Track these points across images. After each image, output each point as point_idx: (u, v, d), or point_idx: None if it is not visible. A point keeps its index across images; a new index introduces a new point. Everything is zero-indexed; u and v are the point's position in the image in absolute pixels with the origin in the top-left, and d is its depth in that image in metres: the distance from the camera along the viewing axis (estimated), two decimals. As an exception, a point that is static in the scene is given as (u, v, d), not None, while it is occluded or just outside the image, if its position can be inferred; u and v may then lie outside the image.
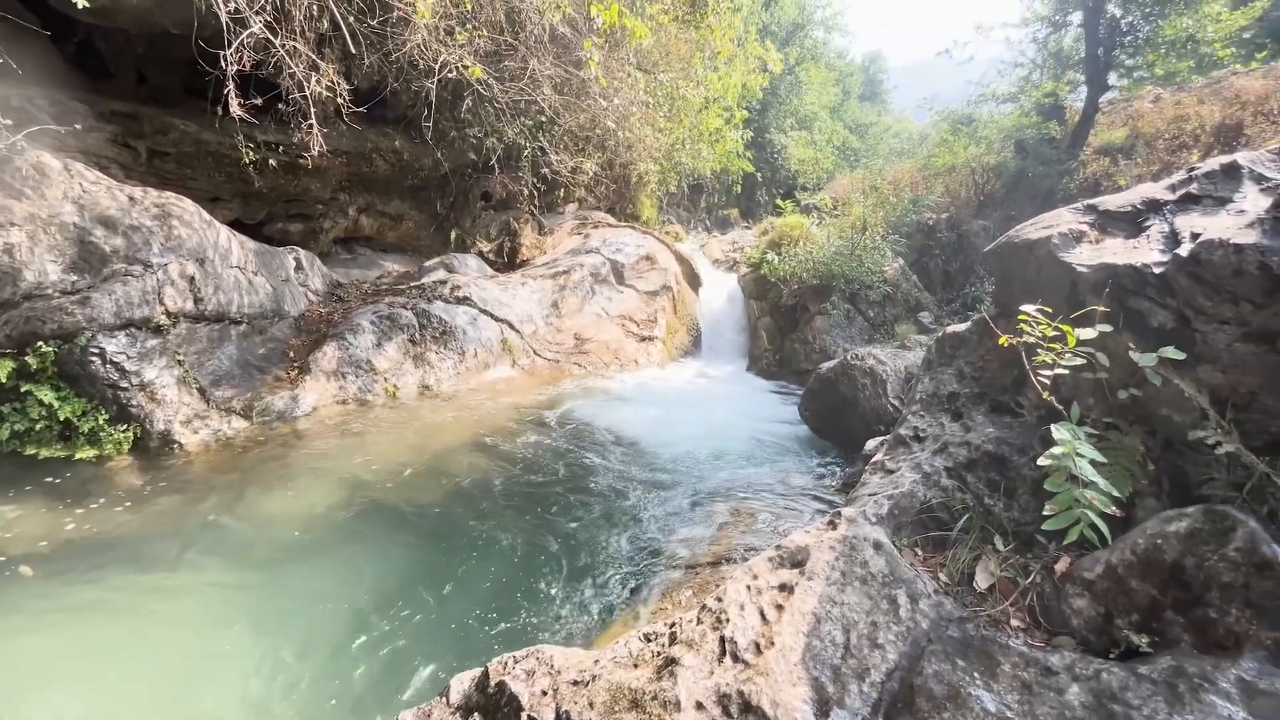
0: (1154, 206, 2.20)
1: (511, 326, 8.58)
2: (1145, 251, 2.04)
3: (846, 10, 24.66)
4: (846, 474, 5.46)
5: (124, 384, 4.99)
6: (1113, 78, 11.79)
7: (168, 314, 5.45)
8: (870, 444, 5.24)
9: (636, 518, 4.60)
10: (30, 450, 4.54)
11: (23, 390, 4.56)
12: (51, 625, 3.15)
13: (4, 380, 4.46)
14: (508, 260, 11.18)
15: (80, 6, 3.91)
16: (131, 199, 5.50)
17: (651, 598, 3.64)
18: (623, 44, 7.61)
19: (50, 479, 4.46)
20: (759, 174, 19.93)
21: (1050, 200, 10.44)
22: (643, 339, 10.06)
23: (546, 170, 9.34)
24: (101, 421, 4.84)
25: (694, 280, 11.93)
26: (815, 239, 11.05)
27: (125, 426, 4.94)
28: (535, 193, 9.84)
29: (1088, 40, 11.36)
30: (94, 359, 4.89)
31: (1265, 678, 1.45)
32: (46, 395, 4.61)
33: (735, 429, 7.09)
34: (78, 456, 4.68)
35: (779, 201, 14.77)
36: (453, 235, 10.83)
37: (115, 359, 4.97)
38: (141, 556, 3.74)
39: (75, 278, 4.95)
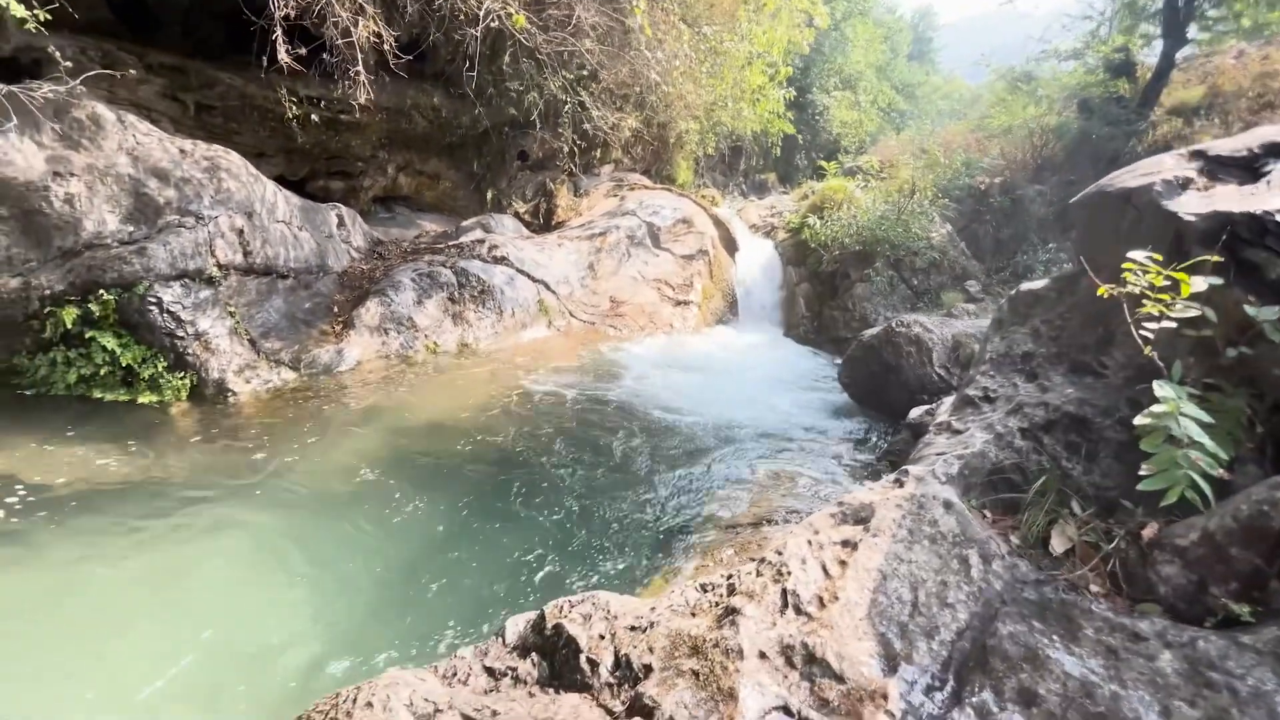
0: (1275, 151, 2.00)
1: (548, 287, 8.56)
2: (1265, 199, 1.86)
3: (898, -39, 23.31)
4: (889, 442, 5.35)
5: (180, 333, 5.14)
6: (1192, 30, 10.90)
7: (219, 266, 5.56)
8: (914, 412, 5.10)
9: (675, 478, 4.60)
10: (96, 394, 4.74)
11: (87, 336, 4.73)
12: (114, 558, 3.30)
13: (70, 326, 4.63)
14: (543, 222, 11.10)
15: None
16: (183, 151, 5.57)
17: (693, 555, 3.65)
18: (668, -7, 7.31)
19: (115, 422, 4.64)
20: (799, 137, 19.22)
21: (1115, 164, 9.81)
22: (678, 303, 9.94)
23: (588, 126, 9.13)
24: (161, 369, 5.01)
25: (730, 245, 11.68)
26: (859, 203, 10.67)
27: (182, 374, 5.10)
28: (575, 150, 9.66)
29: (1168, -12, 10.49)
30: (152, 307, 5.03)
31: (1389, 651, 1.36)
32: (109, 341, 4.78)
33: (772, 395, 7.00)
34: (140, 401, 4.86)
35: (823, 163, 14.27)
36: (489, 195, 10.77)
37: (171, 308, 5.11)
38: (200, 500, 3.88)
39: (132, 228, 5.06)
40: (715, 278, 10.97)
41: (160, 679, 2.58)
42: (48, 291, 4.66)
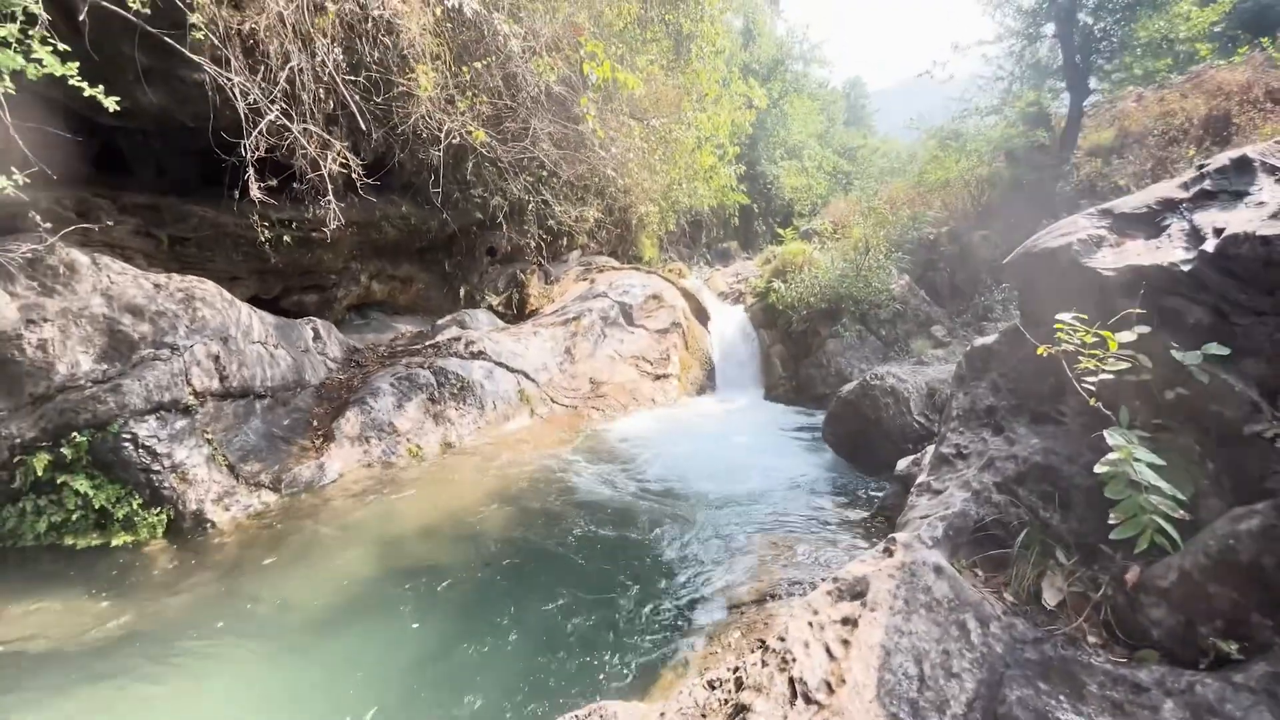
0: (1170, 205, 2.23)
1: (527, 376, 8.63)
2: (1169, 250, 2.05)
3: (823, 44, 25.56)
4: (881, 496, 5.37)
5: (156, 467, 5.04)
6: (1093, 82, 12.03)
7: (195, 394, 5.54)
8: (902, 463, 5.16)
9: (672, 560, 4.53)
10: (68, 541, 4.57)
11: (59, 481, 4.61)
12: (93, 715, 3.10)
13: (40, 474, 4.52)
14: (517, 311, 11.34)
15: (110, 110, 4.14)
16: (157, 285, 5.68)
17: (699, 642, 3.56)
18: (615, 96, 7.91)
19: (88, 568, 4.46)
20: (755, 205, 20.31)
21: (1049, 204, 10.52)
22: (657, 377, 10.08)
23: (552, 221, 9.57)
24: (135, 506, 4.86)
25: (702, 315, 12.01)
26: (819, 264, 11.16)
27: (159, 510, 4.96)
28: (541, 244, 10.06)
29: (1064, 49, 11.64)
30: (126, 444, 4.95)
31: (1373, 678, 1.39)
32: (82, 484, 4.66)
33: (759, 460, 7.02)
34: (114, 543, 4.69)
35: (779, 229, 15.00)
36: (462, 292, 11.03)
37: (147, 443, 5.04)
38: (179, 643, 3.69)
39: (106, 366, 5.07)
40: (691, 348, 11.20)
41: None
42: (18, 440, 4.58)
